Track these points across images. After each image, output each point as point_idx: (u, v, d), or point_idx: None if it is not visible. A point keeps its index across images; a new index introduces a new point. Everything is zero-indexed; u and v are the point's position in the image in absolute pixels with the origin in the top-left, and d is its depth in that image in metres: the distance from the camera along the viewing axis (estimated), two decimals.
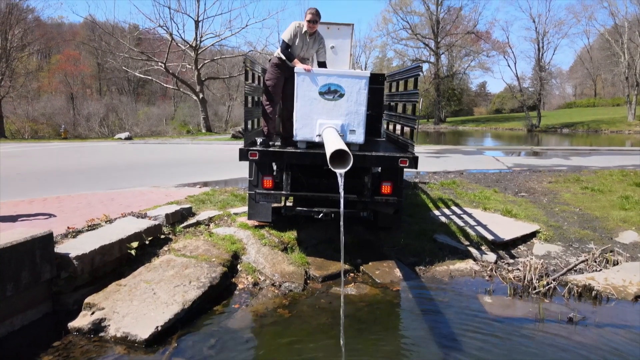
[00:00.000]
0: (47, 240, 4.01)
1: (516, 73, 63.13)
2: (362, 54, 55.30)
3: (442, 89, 56.65)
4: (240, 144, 5.13)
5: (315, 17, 5.19)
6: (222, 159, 13.28)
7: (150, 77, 35.98)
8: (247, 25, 32.20)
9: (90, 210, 6.17)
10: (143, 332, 3.64)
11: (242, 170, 5.65)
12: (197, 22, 30.94)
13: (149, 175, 10.00)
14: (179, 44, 31.78)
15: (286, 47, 5.26)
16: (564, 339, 3.88)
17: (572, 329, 4.04)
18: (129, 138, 24.65)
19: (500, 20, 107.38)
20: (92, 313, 3.88)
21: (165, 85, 38.33)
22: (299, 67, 4.98)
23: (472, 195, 8.21)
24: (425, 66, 53.95)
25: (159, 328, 3.70)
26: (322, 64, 5.51)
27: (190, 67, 32.66)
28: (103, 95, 48.87)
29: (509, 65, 55.33)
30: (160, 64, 31.64)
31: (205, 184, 8.89)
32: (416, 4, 54.41)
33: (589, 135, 36.90)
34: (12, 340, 3.71)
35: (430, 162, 13.14)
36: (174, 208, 6.12)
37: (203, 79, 33.38)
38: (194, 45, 31.04)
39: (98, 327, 3.75)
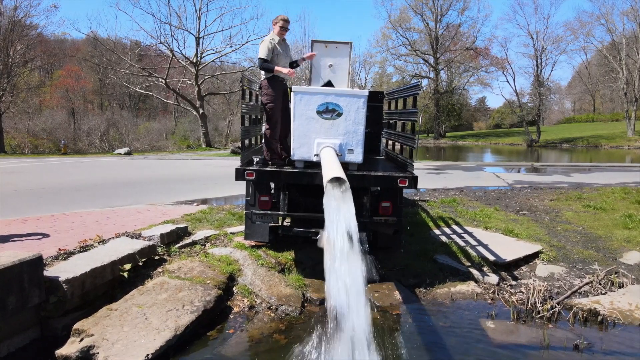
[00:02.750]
0: (36, 263, 3.89)
1: (515, 88, 62.27)
2: (362, 69, 55.74)
3: (442, 104, 56.97)
4: (239, 159, 5.08)
5: (287, 24, 5.49)
6: (220, 175, 13.20)
7: (151, 93, 36.25)
8: (247, 42, 32.40)
9: (84, 229, 6.06)
10: None
11: (241, 187, 5.57)
12: (197, 39, 31.31)
13: (147, 192, 9.91)
14: (180, 60, 32.07)
15: (263, 62, 5.30)
16: None
17: (579, 357, 3.89)
18: (128, 153, 24.66)
19: (499, 36, 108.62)
20: (81, 340, 3.74)
21: (165, 100, 38.58)
22: (283, 71, 5.16)
23: (472, 213, 8.09)
24: (424, 81, 54.37)
25: (150, 356, 3.56)
26: (292, 63, 5.65)
27: (190, 82, 32.91)
28: (104, 110, 49.09)
29: (507, 81, 56.18)
30: (161, 79, 31.89)
31: (202, 201, 8.79)
32: (415, 21, 55.02)
33: (589, 151, 36.91)
34: None
35: (430, 178, 13.06)
36: (169, 227, 6.00)
37: (203, 95, 33.60)
38: (194, 61, 31.32)
39: (86, 354, 3.61)
